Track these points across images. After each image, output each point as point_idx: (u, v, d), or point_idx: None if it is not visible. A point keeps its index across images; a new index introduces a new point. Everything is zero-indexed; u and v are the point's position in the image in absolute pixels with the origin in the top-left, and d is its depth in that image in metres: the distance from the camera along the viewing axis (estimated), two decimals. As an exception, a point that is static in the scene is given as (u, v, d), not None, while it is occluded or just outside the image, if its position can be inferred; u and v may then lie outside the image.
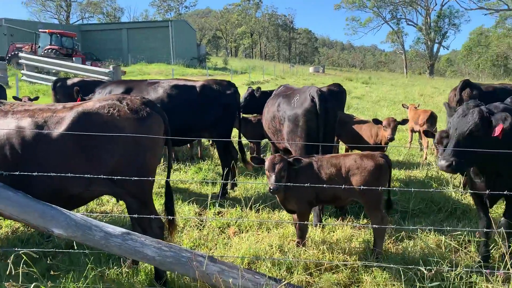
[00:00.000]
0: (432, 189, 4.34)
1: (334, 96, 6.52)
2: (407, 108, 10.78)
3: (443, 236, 4.98)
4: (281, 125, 5.86)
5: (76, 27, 50.83)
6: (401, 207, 6.10)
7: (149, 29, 47.52)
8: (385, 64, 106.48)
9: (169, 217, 4.27)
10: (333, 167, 4.67)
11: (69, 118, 3.83)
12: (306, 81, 35.11)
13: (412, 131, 10.24)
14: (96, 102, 4.07)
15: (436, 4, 64.29)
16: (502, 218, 4.64)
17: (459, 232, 5.00)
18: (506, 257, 4.30)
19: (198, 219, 5.62)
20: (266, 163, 4.39)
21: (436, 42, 65.17)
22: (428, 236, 5.10)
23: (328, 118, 5.51)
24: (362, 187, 4.37)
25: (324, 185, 4.25)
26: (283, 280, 3.61)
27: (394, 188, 4.88)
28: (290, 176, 4.57)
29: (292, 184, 4.32)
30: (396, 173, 8.15)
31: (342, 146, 8.93)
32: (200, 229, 5.43)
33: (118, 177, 3.76)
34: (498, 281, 4.13)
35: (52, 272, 3.97)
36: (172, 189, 6.96)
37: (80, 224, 3.45)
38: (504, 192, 4.04)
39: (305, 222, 4.72)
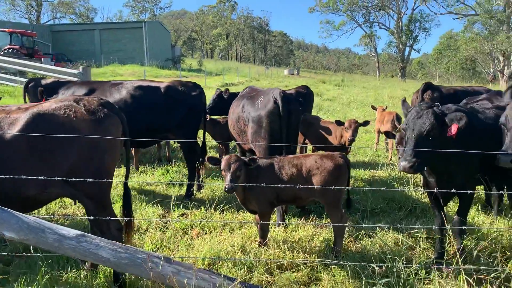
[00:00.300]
0: (384, 188, 4.42)
1: (297, 98, 6.58)
2: (376, 110, 11.00)
3: (401, 234, 5.12)
4: (246, 126, 5.90)
5: (47, 27, 49.68)
6: (363, 206, 6.23)
7: (122, 30, 46.90)
8: (359, 67, 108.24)
9: (126, 218, 4.24)
10: (294, 167, 4.74)
11: (23, 119, 3.77)
12: (280, 83, 35.30)
13: (379, 132, 10.45)
14: (52, 103, 4.01)
15: (407, 9, 65.96)
16: (455, 216, 4.81)
17: (416, 230, 5.16)
18: (457, 254, 4.46)
19: (161, 220, 5.59)
20: (222, 163, 4.43)
21: (407, 45, 66.72)
22: (386, 234, 5.22)
23: (290, 120, 5.59)
24: (320, 186, 4.46)
25: (280, 185, 4.30)
26: (238, 279, 3.64)
27: (352, 187, 4.97)
28: (251, 176, 4.62)
29: (247, 184, 4.37)
30: (361, 173, 8.32)
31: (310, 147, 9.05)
32: (163, 231, 5.41)
33: (74, 179, 3.72)
34: (451, 276, 4.28)
35: (0, 276, 3.89)
36: (138, 191, 6.98)
37: (33, 226, 3.39)
38: (452, 190, 4.18)
39: (267, 222, 4.78)
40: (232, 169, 4.38)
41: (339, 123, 6.88)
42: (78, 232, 3.49)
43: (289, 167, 4.74)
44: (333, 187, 4.26)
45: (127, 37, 45.59)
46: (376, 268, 3.71)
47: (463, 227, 4.73)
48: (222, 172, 4.48)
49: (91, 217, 3.88)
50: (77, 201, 4.33)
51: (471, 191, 4.42)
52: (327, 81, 38.93)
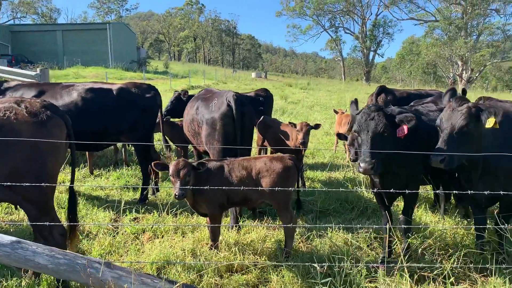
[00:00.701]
0: (334, 188, 4.53)
1: (251, 101, 6.61)
2: (337, 113, 11.18)
3: (350, 234, 5.22)
4: (200, 128, 5.88)
5: (6, 28, 47.92)
6: (316, 207, 6.32)
7: (86, 31, 45.90)
8: (325, 71, 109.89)
9: (70, 223, 4.13)
10: (244, 169, 4.75)
11: (-39, 121, 3.62)
12: (247, 86, 35.45)
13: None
14: (-9, 105, 3.86)
15: (371, 14, 67.71)
16: (401, 215, 4.94)
17: (365, 230, 5.29)
18: (402, 253, 4.59)
19: (112, 225, 5.48)
20: (170, 169, 4.38)
21: (371, 50, 68.48)
22: (337, 234, 5.30)
23: (244, 122, 5.61)
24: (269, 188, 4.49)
25: (225, 187, 4.30)
26: (180, 282, 3.61)
27: (308, 188, 5.04)
28: (200, 179, 4.59)
29: (197, 187, 4.34)
30: (318, 174, 8.44)
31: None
32: (114, 236, 5.30)
33: (10, 184, 3.59)
34: (396, 275, 4.38)
35: None
36: (91, 195, 6.81)
37: (-36, 234, 3.26)
38: (391, 190, 4.31)
39: (217, 225, 4.77)
40: (181, 175, 4.35)
41: (292, 125, 6.98)
42: (14, 238, 3.37)
43: (239, 169, 4.75)
44: (277, 188, 4.30)
45: (91, 38, 44.65)
46: (318, 268, 3.76)
47: (409, 226, 4.89)
48: (171, 178, 4.43)
49: (35, 223, 3.75)
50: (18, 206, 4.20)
51: (414, 191, 4.58)
52: (293, 84, 39.40)
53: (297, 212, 6.14)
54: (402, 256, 4.45)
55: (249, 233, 5.39)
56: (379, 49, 69.88)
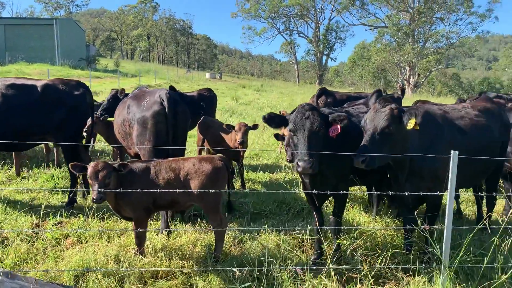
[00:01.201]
0: (272, 189, 4.44)
1: (192, 100, 6.42)
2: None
3: (283, 236, 5.17)
4: (131, 128, 5.62)
5: None
6: (253, 209, 6.23)
7: (31, 27, 43.55)
8: (281, 73, 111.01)
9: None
10: (171, 171, 4.57)
11: None
12: (200, 87, 34.93)
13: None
14: None
15: (324, 18, 69.00)
16: (331, 216, 4.94)
17: (297, 231, 5.26)
18: (329, 254, 4.59)
19: (32, 231, 5.12)
20: (88, 171, 4.13)
21: (324, 54, 69.83)
22: (269, 236, 5.22)
23: (177, 121, 5.42)
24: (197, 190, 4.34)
25: (139, 190, 4.09)
26: None
27: (241, 190, 4.93)
28: (124, 181, 4.36)
29: (118, 190, 4.12)
30: (260, 175, 8.38)
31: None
32: (33, 242, 4.95)
33: None
34: (324, 277, 4.35)
35: None
36: (14, 199, 6.35)
37: None
38: (313, 191, 4.28)
39: (143, 229, 4.55)
40: (100, 178, 4.10)
41: (229, 126, 6.87)
42: None
43: (167, 171, 4.56)
44: (196, 190, 4.15)
45: (37, 34, 42.46)
46: (237, 272, 3.65)
47: (338, 227, 4.90)
48: (89, 180, 4.17)
49: None
50: None
51: (344, 192, 4.58)
52: (247, 85, 39.45)
53: (234, 214, 6.04)
54: (329, 258, 4.45)
55: (179, 237, 5.21)
56: (332, 53, 71.47)
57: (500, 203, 7.20)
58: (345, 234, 5.26)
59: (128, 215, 4.59)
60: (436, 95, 60.97)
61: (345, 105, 5.79)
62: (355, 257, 4.84)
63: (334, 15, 67.36)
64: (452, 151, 3.75)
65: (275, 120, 4.56)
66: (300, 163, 4.10)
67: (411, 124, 4.20)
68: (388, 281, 4.52)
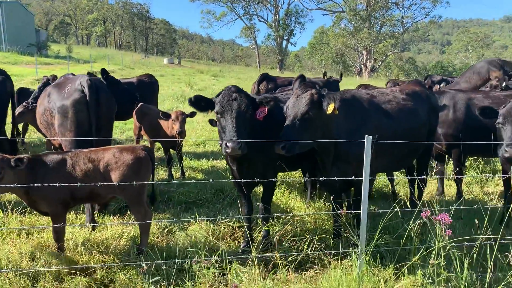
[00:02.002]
0: (212, 177, 4.31)
1: (132, 86, 6.10)
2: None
3: (211, 225, 5.09)
4: (53, 118, 5.33)
5: None
6: (189, 198, 6.11)
7: (-28, 10, 40.95)
8: (242, 58, 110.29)
9: None
10: (90, 162, 4.36)
11: None
12: (156, 72, 34.02)
13: None
14: None
15: (283, 3, 68.95)
16: (260, 203, 4.89)
17: (228, 219, 5.19)
18: (260, 242, 4.55)
19: None
20: None
21: (284, 38, 69.75)
22: (199, 226, 5.12)
23: (100, 110, 5.18)
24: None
25: (55, 184, 3.86)
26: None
27: (154, 182, 4.78)
28: (36, 175, 4.12)
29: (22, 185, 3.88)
30: (203, 163, 8.24)
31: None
32: None
33: None
34: (251, 264, 4.31)
35: None
36: None
37: None
38: (241, 180, 4.20)
39: (62, 224, 4.33)
40: None
41: (166, 115, 6.61)
42: None
43: (85, 162, 4.34)
44: (116, 182, 3.97)
45: (-21, 18, 40.01)
46: (144, 266, 3.53)
47: (268, 214, 4.86)
48: None
49: None
50: None
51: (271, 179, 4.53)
52: (205, 71, 38.91)
53: (168, 204, 5.90)
54: (256, 245, 4.41)
55: (105, 230, 5.02)
56: (292, 38, 71.44)
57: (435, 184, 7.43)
58: (275, 220, 5.24)
59: (44, 210, 4.35)
60: (393, 78, 62.60)
61: (277, 90, 5.72)
62: (284, 243, 4.83)
63: (293, -1, 67.35)
64: (366, 136, 3.74)
65: (201, 103, 4.44)
66: (229, 144, 4.02)
67: (330, 108, 4.18)
68: (314, 266, 4.54)
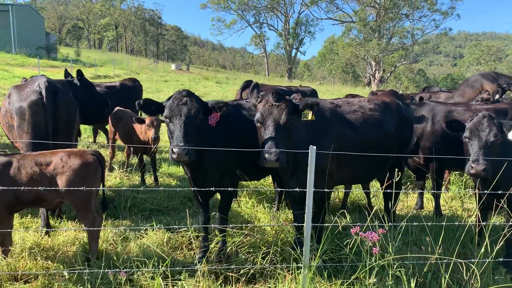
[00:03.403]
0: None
1: (71, 88, 5.95)
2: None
3: (168, 233, 4.95)
4: (12, 119, 5.26)
5: None
6: (156, 205, 5.99)
7: (-16, 14, 41.56)
8: (252, 66, 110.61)
9: None
10: (37, 166, 4.25)
11: None
12: (161, 78, 34.40)
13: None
14: None
15: (294, 12, 68.89)
16: (217, 213, 4.75)
17: (186, 229, 5.04)
18: (201, 252, 4.39)
19: None
20: None
21: (294, 47, 69.80)
22: (155, 234, 4.98)
23: (58, 112, 5.09)
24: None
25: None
26: None
27: (103, 188, 4.65)
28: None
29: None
30: (180, 170, 8.09)
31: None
32: None
33: None
34: (201, 276, 4.16)
35: None
36: None
37: None
38: (198, 188, 4.05)
39: (7, 229, 4.22)
40: None
41: (139, 120, 6.48)
42: None
43: (32, 165, 4.24)
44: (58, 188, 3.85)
45: (-10, 21, 40.57)
46: (66, 275, 3.40)
47: (225, 224, 4.71)
48: None
49: None
50: None
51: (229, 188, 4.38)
52: (211, 77, 39.01)
53: (133, 211, 5.78)
54: (200, 256, 4.26)
55: (60, 235, 4.90)
56: (301, 47, 71.54)
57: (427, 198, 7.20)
58: (235, 231, 5.08)
59: (-18, 213, 4.24)
60: (402, 89, 62.19)
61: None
62: (240, 255, 4.67)
63: (303, 9, 67.36)
64: (310, 147, 3.59)
65: (151, 106, 4.32)
66: (175, 150, 3.89)
67: (308, 115, 4.16)
68: (268, 279, 4.36)
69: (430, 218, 6.17)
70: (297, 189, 4.20)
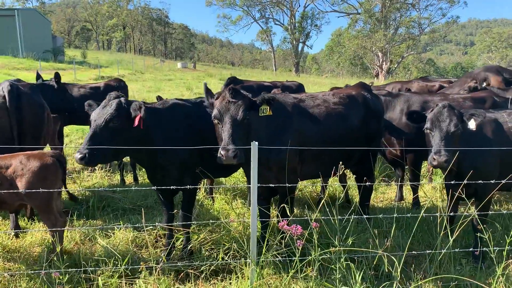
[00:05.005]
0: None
1: (46, 91, 6.01)
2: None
3: (135, 232, 5.00)
4: (-21, 124, 5.34)
5: None
6: (126, 204, 6.04)
7: (-11, 18, 42.13)
8: (260, 62, 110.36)
9: None
10: (-2, 169, 4.33)
11: None
12: (165, 77, 34.61)
13: None
14: None
15: (299, 6, 68.39)
16: (180, 211, 4.77)
17: (152, 227, 5.08)
18: (165, 250, 4.42)
19: None
20: None
21: (300, 41, 69.36)
22: (123, 233, 5.03)
23: (23, 116, 5.15)
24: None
25: None
26: None
27: (66, 190, 4.71)
28: None
29: None
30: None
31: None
32: None
33: None
34: (160, 274, 4.20)
35: None
36: None
37: None
38: (153, 187, 4.08)
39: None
40: None
41: None
42: None
43: (-8, 168, 4.31)
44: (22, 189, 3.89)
45: (-2, 25, 41.13)
46: (6, 275, 3.45)
47: (187, 221, 4.74)
48: None
49: None
50: None
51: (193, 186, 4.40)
52: (215, 75, 39.05)
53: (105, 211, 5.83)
54: (163, 253, 4.30)
55: (29, 236, 4.99)
56: (308, 40, 71.00)
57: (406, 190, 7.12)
58: (202, 227, 5.11)
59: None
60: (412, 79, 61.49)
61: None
62: (203, 252, 4.70)
63: (309, 2, 66.84)
64: (252, 142, 3.58)
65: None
66: (76, 154, 3.88)
67: (265, 110, 4.19)
68: (229, 274, 4.37)
69: (408, 210, 6.12)
70: (257, 185, 4.23)
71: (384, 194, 7.29)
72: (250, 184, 3.65)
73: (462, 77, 10.31)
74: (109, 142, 3.95)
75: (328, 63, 79.21)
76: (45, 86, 6.41)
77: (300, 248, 3.16)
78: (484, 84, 9.21)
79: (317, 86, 29.13)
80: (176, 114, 4.57)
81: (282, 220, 3.21)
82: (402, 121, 6.30)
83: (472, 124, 4.46)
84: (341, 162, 3.84)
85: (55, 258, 4.37)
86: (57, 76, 6.72)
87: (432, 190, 7.31)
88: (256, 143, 3.56)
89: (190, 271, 4.33)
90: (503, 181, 4.23)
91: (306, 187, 6.83)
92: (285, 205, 4.61)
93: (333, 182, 6.97)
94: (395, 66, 57.19)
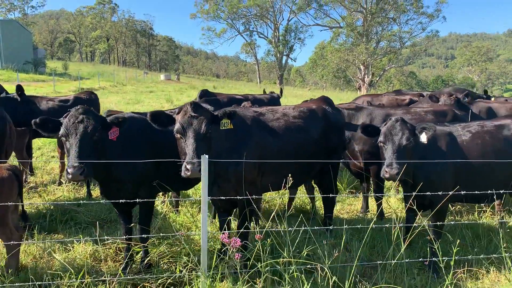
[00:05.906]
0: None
1: (8, 104, 5.97)
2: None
3: (95, 246, 4.98)
4: None
5: None
6: (88, 218, 6.01)
7: (-32, 29, 41.71)
8: (245, 74, 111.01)
9: None
10: (-48, 182, 4.29)
11: None
12: (147, 89, 34.56)
13: None
14: None
15: (283, 19, 69.32)
16: (138, 224, 4.78)
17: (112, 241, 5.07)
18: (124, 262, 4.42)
19: None
20: None
21: (284, 54, 70.10)
22: (83, 246, 5.00)
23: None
24: None
25: None
26: None
27: (20, 203, 4.69)
28: None
29: None
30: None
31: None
32: None
33: None
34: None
35: None
36: None
37: None
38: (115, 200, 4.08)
39: None
40: None
41: None
42: None
43: None
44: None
45: (-25, 36, 40.72)
46: None
47: (145, 234, 4.75)
48: None
49: None
50: None
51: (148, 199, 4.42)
52: (198, 87, 39.08)
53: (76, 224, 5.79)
54: (120, 268, 4.29)
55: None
56: (292, 53, 71.83)
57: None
58: (162, 240, 5.11)
59: None
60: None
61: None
62: (161, 265, 4.70)
63: (292, 16, 67.74)
64: (202, 156, 3.63)
65: (48, 124, 4.31)
66: (69, 170, 3.88)
67: (226, 124, 4.27)
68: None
69: (369, 221, 6.21)
70: (217, 198, 4.31)
71: (351, 205, 7.39)
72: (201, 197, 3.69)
73: (435, 93, 10.54)
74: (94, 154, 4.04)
75: (312, 76, 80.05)
76: (8, 99, 6.37)
77: (238, 260, 3.20)
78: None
79: (296, 99, 29.32)
80: (133, 127, 4.60)
81: (223, 233, 3.25)
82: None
83: (423, 138, 4.59)
84: (290, 175, 3.89)
85: (9, 273, 4.35)
86: (19, 89, 6.67)
87: (398, 201, 7.44)
88: (207, 156, 3.62)
89: (147, 284, 4.34)
90: (450, 193, 4.34)
91: (274, 199, 6.88)
92: (246, 217, 4.67)
93: (301, 194, 7.05)
94: (377, 79, 58.10)
